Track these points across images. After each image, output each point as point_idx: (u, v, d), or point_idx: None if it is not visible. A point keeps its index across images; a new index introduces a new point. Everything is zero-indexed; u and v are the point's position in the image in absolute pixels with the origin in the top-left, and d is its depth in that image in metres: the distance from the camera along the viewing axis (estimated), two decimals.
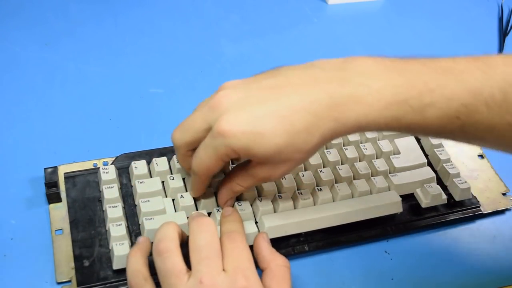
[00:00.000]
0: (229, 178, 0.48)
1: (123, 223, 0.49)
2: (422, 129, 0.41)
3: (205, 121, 0.42)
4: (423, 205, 0.55)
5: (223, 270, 0.41)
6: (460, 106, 0.39)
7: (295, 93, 0.40)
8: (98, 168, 0.53)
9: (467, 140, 0.43)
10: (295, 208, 0.52)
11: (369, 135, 0.59)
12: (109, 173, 0.52)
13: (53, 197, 0.51)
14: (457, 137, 0.42)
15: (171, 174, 0.52)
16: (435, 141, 0.60)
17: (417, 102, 0.39)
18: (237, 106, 0.40)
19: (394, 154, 0.58)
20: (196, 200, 0.51)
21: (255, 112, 0.40)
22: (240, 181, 0.47)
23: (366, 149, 0.58)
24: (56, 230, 0.50)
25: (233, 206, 0.50)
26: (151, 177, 0.52)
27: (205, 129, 0.42)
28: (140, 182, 0.51)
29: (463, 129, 0.41)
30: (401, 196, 0.55)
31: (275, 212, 0.52)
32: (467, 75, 0.40)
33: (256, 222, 0.51)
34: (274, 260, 0.44)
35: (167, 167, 0.53)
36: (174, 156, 0.53)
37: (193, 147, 0.45)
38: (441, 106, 0.39)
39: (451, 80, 0.40)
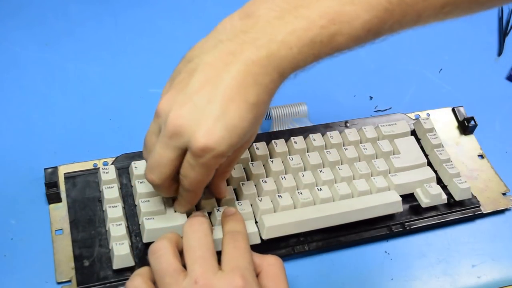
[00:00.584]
0: (216, 172, 0.47)
1: (123, 223, 0.49)
2: (342, 51, 0.42)
3: (175, 150, 0.42)
4: (423, 205, 0.55)
5: (221, 269, 0.41)
6: (364, 23, 0.40)
7: (227, 74, 0.40)
8: (98, 168, 0.53)
9: (391, 35, 0.44)
10: (295, 208, 0.52)
11: (369, 135, 0.59)
12: (109, 173, 0.52)
13: (53, 197, 0.51)
14: (377, 40, 0.43)
15: None
16: (435, 141, 0.60)
17: (323, 36, 0.40)
18: (197, 119, 0.40)
19: (394, 154, 0.58)
20: None
21: (213, 113, 0.40)
22: (227, 168, 0.49)
23: (366, 149, 0.58)
24: (56, 230, 0.50)
25: (232, 203, 0.51)
26: None
27: (178, 156, 0.42)
28: (140, 182, 0.51)
29: (378, 35, 0.42)
30: (401, 196, 0.55)
31: (275, 212, 0.52)
32: None
33: (256, 222, 0.51)
34: (265, 261, 0.44)
35: None
36: None
37: (172, 177, 0.44)
38: (347, 31, 0.40)
39: (346, 3, 0.40)
